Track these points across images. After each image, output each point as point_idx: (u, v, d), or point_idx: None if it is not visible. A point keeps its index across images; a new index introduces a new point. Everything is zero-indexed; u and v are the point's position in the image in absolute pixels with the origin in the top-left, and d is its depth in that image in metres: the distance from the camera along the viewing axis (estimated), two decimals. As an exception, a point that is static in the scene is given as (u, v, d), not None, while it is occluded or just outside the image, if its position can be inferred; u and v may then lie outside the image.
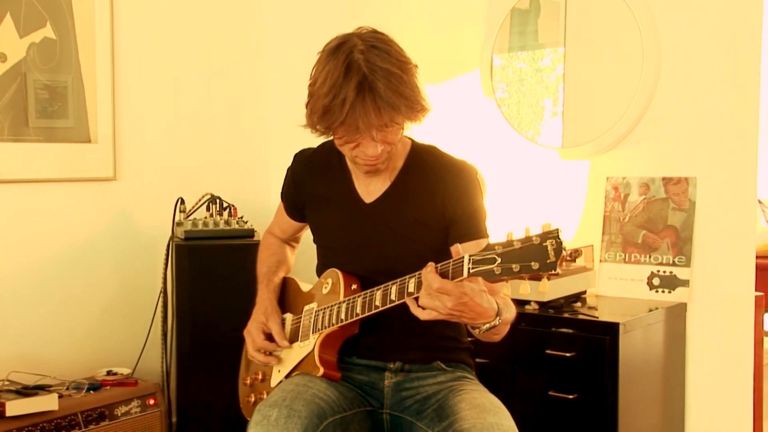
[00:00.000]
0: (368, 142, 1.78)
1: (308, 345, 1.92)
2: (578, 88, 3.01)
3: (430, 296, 1.63)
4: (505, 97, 3.17)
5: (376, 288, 1.80)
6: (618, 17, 2.82)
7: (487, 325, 1.70)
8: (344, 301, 1.87)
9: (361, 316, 1.82)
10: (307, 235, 2.22)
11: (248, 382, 2.11)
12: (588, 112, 2.99)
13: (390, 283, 1.76)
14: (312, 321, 1.94)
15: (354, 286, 1.91)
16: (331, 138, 1.86)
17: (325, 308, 1.91)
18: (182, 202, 2.98)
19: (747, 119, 2.61)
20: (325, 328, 1.89)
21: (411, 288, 1.71)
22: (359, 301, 1.82)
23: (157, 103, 3.19)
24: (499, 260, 1.55)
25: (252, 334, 2.02)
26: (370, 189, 1.95)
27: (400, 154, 1.94)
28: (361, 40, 1.77)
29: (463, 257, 1.61)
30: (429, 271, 1.64)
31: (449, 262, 1.64)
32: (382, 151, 1.81)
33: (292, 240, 2.26)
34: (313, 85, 1.79)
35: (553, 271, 1.52)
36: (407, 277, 1.73)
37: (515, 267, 1.54)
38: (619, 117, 2.81)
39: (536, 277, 1.56)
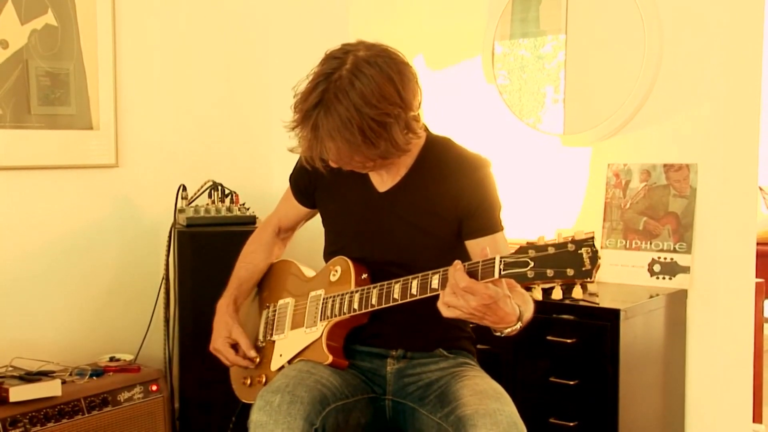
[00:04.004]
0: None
1: (315, 332, 1.92)
2: (580, 75, 3.01)
3: (455, 294, 1.62)
4: (507, 84, 3.17)
5: (393, 281, 1.78)
6: (619, 4, 2.82)
7: (509, 330, 1.70)
8: (357, 291, 1.86)
9: (376, 308, 1.81)
10: (304, 225, 2.21)
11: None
12: (589, 99, 2.99)
13: (410, 277, 1.75)
14: (319, 308, 1.93)
15: (364, 276, 1.90)
16: None
17: (334, 296, 1.91)
18: (184, 188, 2.98)
19: (748, 106, 2.61)
20: (335, 316, 1.88)
21: (434, 284, 1.69)
22: (375, 292, 1.81)
23: (159, 90, 3.18)
24: (531, 264, 1.54)
25: (222, 351, 2.05)
26: (384, 178, 1.93)
27: (415, 144, 1.91)
28: (351, 66, 1.72)
29: (493, 258, 1.59)
30: (457, 270, 1.61)
31: (478, 262, 1.62)
32: (353, 165, 1.80)
33: (288, 232, 2.22)
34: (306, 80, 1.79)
35: (588, 279, 1.51)
36: (430, 272, 1.71)
37: (549, 272, 1.53)
38: (620, 104, 2.81)
39: (569, 282, 1.56)
